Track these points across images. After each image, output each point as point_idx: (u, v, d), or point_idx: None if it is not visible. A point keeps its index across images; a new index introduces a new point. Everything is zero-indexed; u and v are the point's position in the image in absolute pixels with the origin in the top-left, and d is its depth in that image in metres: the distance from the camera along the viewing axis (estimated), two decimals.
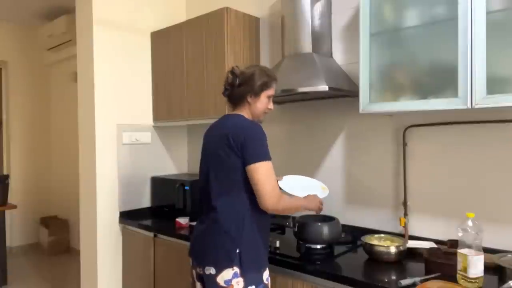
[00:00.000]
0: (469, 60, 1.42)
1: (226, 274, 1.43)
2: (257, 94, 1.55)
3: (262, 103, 1.57)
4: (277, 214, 1.59)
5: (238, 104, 1.59)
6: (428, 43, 1.56)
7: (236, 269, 1.43)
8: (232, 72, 1.57)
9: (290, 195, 1.66)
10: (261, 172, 1.42)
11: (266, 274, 1.51)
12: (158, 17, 2.85)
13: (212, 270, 1.46)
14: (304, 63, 1.96)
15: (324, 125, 2.22)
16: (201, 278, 1.53)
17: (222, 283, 1.43)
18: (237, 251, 1.44)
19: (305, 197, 1.65)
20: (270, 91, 1.58)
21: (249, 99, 1.56)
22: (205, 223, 1.55)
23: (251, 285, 1.44)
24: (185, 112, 2.57)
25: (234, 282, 1.42)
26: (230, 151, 1.45)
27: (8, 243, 4.26)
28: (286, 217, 2.24)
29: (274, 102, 2.32)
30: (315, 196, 1.69)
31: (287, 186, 1.76)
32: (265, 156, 1.44)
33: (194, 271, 1.59)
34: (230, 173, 1.47)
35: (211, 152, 1.55)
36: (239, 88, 1.56)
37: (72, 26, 3.65)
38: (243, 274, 1.44)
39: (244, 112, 1.58)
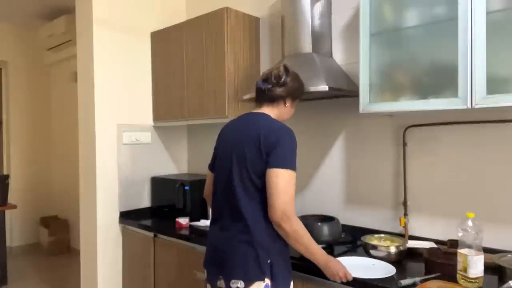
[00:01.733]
0: (469, 60, 1.42)
1: (257, 286, 1.33)
2: (295, 99, 1.52)
3: (292, 108, 1.54)
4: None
5: (270, 103, 1.49)
6: (428, 43, 1.56)
7: (268, 281, 1.34)
8: (286, 67, 1.50)
9: None
10: (283, 179, 1.30)
11: (292, 286, 1.45)
12: (158, 17, 2.85)
13: (240, 284, 1.33)
14: (304, 63, 1.96)
15: (324, 125, 2.22)
16: None
17: None
18: (269, 261, 1.35)
19: (328, 256, 1.41)
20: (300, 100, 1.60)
21: (287, 101, 1.49)
22: (230, 231, 1.41)
23: None
24: (185, 112, 2.57)
25: None
26: (257, 153, 1.35)
27: (8, 243, 4.26)
28: None
29: None
30: (340, 263, 1.41)
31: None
32: (292, 165, 1.33)
33: (210, 285, 1.47)
34: (257, 177, 1.36)
35: (236, 152, 1.42)
36: (282, 87, 1.47)
37: (72, 26, 3.65)
38: (274, 286, 1.35)
39: (273, 113, 1.49)
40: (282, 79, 1.47)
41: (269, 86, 1.47)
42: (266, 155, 1.34)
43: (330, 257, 1.40)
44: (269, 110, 1.50)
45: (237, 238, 1.38)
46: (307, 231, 1.36)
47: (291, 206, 1.32)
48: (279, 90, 1.47)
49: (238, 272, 1.35)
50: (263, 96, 1.50)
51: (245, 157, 1.38)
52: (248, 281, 1.33)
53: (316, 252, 1.37)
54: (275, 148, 1.33)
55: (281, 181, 1.30)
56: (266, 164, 1.33)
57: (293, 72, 1.53)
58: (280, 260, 1.39)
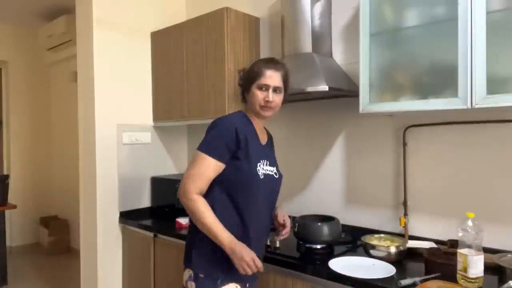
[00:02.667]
0: (469, 60, 1.42)
1: (186, 275, 1.42)
2: (247, 88, 1.47)
3: (254, 95, 1.44)
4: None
5: (244, 103, 1.54)
6: (428, 43, 1.56)
7: (191, 272, 1.40)
8: (239, 74, 1.60)
9: None
10: (194, 159, 1.37)
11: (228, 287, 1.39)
12: (158, 17, 2.85)
13: (183, 267, 1.47)
14: (304, 63, 1.96)
15: (324, 125, 2.22)
16: None
17: (183, 282, 1.43)
18: (193, 251, 1.41)
19: (235, 240, 1.33)
20: (261, 80, 1.42)
21: (246, 96, 1.50)
22: None
23: None
24: (185, 112, 2.57)
25: (188, 285, 1.39)
26: None
27: (8, 243, 4.25)
28: None
29: None
30: (248, 248, 1.33)
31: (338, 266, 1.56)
32: (205, 149, 1.37)
33: None
34: None
35: None
36: (240, 88, 1.54)
37: (72, 26, 3.65)
38: (195, 279, 1.38)
39: (245, 109, 1.53)
40: (238, 84, 1.56)
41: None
42: None
43: (237, 241, 1.34)
44: (243, 108, 1.55)
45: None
46: (211, 211, 1.34)
47: (195, 184, 1.34)
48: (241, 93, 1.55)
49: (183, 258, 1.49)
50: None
51: None
52: (184, 266, 1.45)
53: (219, 232, 1.32)
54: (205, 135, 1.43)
55: (193, 160, 1.39)
56: None
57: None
58: (203, 253, 1.39)
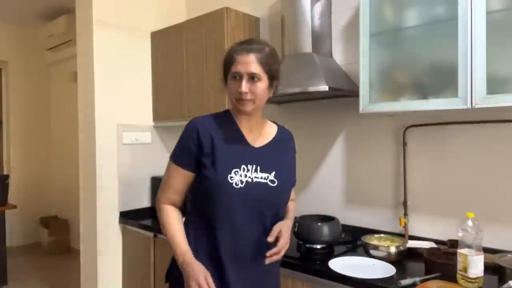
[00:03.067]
0: (469, 60, 1.42)
1: None
2: (225, 81, 1.26)
3: (229, 87, 1.22)
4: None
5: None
6: (428, 43, 1.56)
7: (167, 285, 1.31)
8: None
9: None
10: (165, 169, 1.29)
11: None
12: (158, 17, 2.85)
13: None
14: (304, 63, 1.96)
15: (324, 125, 2.22)
16: None
17: None
18: (170, 264, 1.30)
19: (190, 257, 1.15)
20: (232, 68, 1.19)
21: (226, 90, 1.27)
22: None
23: None
24: (185, 112, 2.57)
25: None
26: None
27: (8, 243, 4.25)
28: None
29: (273, 102, 2.33)
30: (200, 270, 1.12)
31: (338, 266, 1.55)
32: (172, 155, 1.26)
33: None
34: None
35: None
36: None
37: (72, 26, 3.64)
38: None
39: (230, 106, 1.33)
40: None
41: None
42: None
43: (191, 260, 1.15)
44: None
45: None
46: (175, 222, 1.23)
47: (163, 193, 1.27)
48: None
49: None
50: None
51: None
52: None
53: (174, 244, 1.19)
54: None
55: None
56: None
57: None
58: (178, 268, 1.19)
